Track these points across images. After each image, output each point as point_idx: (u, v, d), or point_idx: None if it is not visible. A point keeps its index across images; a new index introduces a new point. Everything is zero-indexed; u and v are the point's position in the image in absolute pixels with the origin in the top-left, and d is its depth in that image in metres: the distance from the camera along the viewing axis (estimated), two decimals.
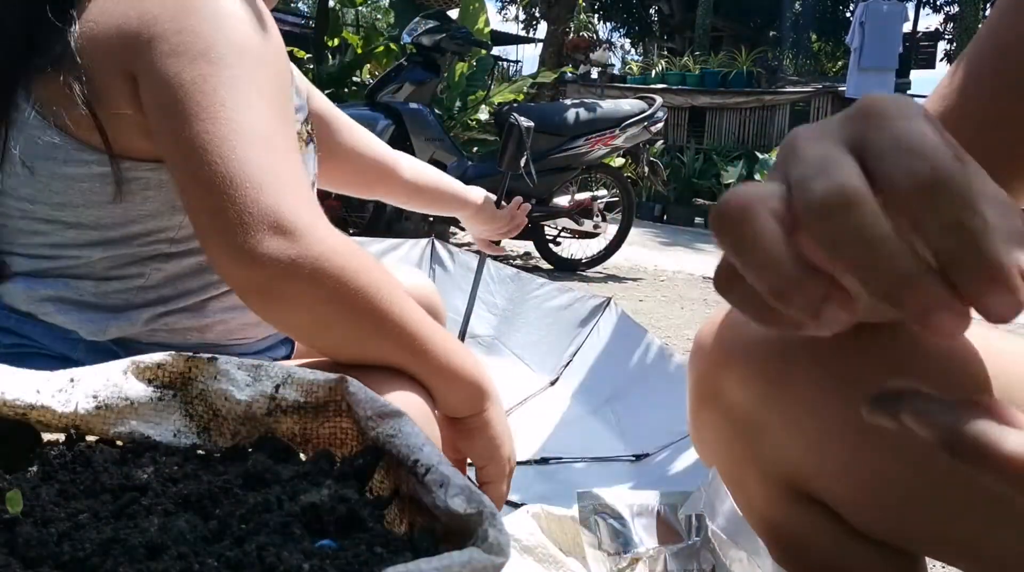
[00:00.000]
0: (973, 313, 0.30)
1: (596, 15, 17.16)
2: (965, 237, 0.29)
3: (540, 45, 11.79)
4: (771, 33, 16.71)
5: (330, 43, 7.43)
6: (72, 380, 0.52)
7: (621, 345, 2.26)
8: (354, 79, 6.19)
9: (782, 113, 10.25)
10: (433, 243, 2.73)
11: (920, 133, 0.31)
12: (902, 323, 0.32)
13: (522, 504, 1.82)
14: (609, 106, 4.69)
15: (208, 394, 0.53)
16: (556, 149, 4.45)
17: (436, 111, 4.69)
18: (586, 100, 4.90)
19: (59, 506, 0.43)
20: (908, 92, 10.74)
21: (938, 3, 17.44)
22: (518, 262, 4.98)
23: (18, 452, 0.50)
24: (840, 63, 14.28)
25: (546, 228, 4.65)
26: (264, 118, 0.68)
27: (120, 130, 0.74)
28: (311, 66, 7.14)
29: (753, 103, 10.28)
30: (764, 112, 10.28)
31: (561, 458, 1.83)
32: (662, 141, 8.62)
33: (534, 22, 17.08)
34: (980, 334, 0.57)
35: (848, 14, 16.38)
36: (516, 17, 18.57)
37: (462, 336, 2.08)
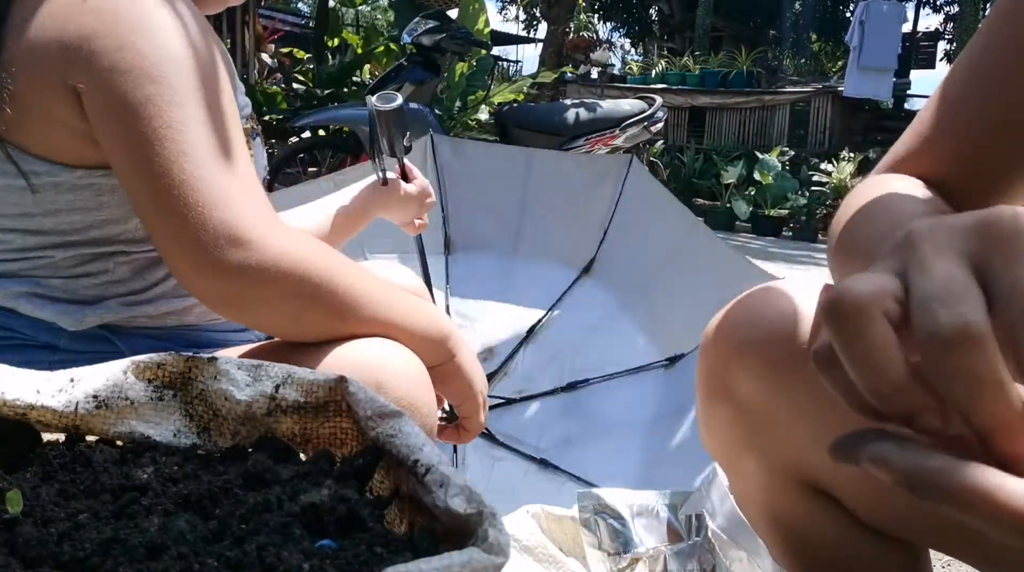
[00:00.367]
0: None
1: (596, 15, 17.16)
2: None
3: (540, 45, 11.79)
4: (771, 33, 16.70)
5: (330, 43, 7.43)
6: (72, 380, 0.52)
7: (647, 213, 2.15)
8: (354, 79, 6.19)
9: (782, 113, 10.25)
10: (432, 138, 2.47)
11: None
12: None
13: (540, 458, 1.80)
14: (609, 106, 4.69)
15: (208, 394, 0.53)
16: (556, 149, 4.45)
17: (436, 111, 4.69)
18: (586, 100, 4.90)
19: (59, 506, 0.43)
20: (908, 92, 10.74)
21: (938, 3, 17.44)
22: None
23: (18, 452, 0.50)
24: (840, 63, 14.27)
25: None
26: (210, 132, 0.71)
27: (68, 141, 0.74)
28: (311, 66, 7.14)
29: (753, 103, 10.28)
30: (764, 112, 10.28)
31: (588, 381, 1.80)
32: (662, 141, 8.61)
33: (534, 22, 17.08)
34: None
35: (848, 14, 16.37)
36: (516, 17, 18.58)
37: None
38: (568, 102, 4.94)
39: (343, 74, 6.31)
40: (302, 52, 7.65)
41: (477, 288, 2.12)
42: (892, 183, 0.61)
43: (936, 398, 0.32)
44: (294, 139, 5.93)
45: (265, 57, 6.92)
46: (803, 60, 16.01)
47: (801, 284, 0.67)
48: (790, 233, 7.89)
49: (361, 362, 0.73)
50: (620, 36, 19.23)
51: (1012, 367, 0.30)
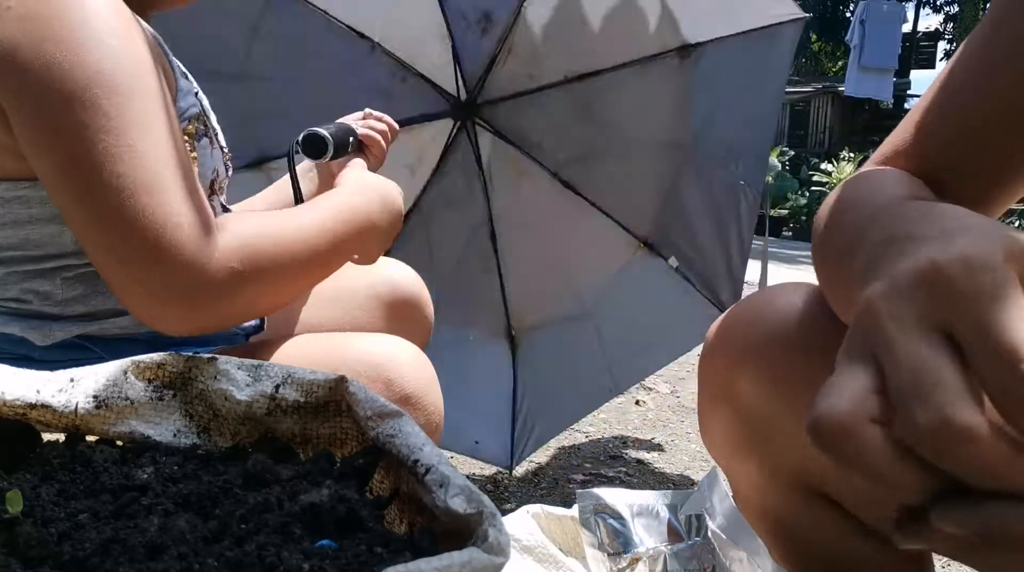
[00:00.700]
0: None
1: None
2: None
3: None
4: None
5: None
6: (72, 380, 0.52)
7: None
8: None
9: (782, 113, 10.24)
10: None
11: (1008, 328, 0.30)
12: None
13: (563, 179, 1.69)
14: None
15: (208, 394, 0.53)
16: None
17: None
18: None
19: (59, 506, 0.43)
20: (908, 92, 10.75)
21: (938, 3, 17.43)
22: None
23: (18, 452, 0.50)
24: (840, 63, 14.26)
25: None
26: (145, 155, 0.67)
27: None
28: None
29: None
30: None
31: (600, 71, 1.74)
32: None
33: None
34: None
35: (848, 14, 16.36)
36: None
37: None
38: None
39: None
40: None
41: None
42: (872, 175, 0.60)
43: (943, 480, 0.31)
44: None
45: None
46: (803, 60, 16.00)
47: (803, 288, 0.67)
48: (790, 233, 7.90)
49: (369, 359, 0.74)
50: None
51: (1005, 418, 0.30)
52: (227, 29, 1.63)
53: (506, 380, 1.85)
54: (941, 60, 14.96)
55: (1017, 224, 6.21)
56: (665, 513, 1.16)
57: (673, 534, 1.14)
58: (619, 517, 1.14)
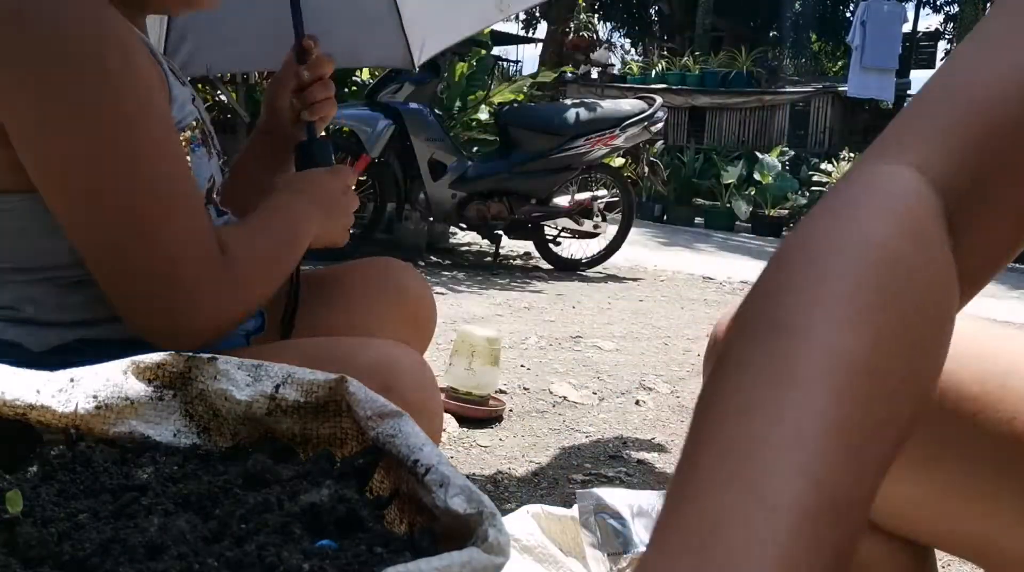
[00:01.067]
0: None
1: (596, 15, 17.15)
2: None
3: (540, 45, 11.79)
4: (771, 33, 16.70)
5: None
6: (72, 380, 0.52)
7: None
8: (354, 79, 6.18)
9: (782, 113, 10.25)
10: None
11: None
12: None
13: None
14: (609, 106, 4.68)
15: (208, 394, 0.53)
16: (556, 149, 4.45)
17: (436, 111, 4.69)
18: (586, 100, 4.90)
19: (59, 506, 0.43)
20: (908, 92, 10.75)
21: (938, 3, 17.44)
22: (518, 262, 4.98)
23: (18, 452, 0.50)
24: (840, 63, 14.28)
25: (546, 228, 4.65)
26: (142, 185, 0.70)
27: None
28: None
29: (753, 103, 10.28)
30: (764, 112, 10.28)
31: None
32: (662, 141, 8.61)
33: (534, 22, 17.08)
34: (984, 325, 0.57)
35: (848, 14, 16.38)
36: (516, 17, 18.58)
37: None
38: (568, 102, 4.94)
39: (343, 74, 6.31)
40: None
41: None
42: (861, 195, 0.40)
43: None
44: None
45: None
46: (803, 60, 16.01)
47: None
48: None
49: (371, 365, 0.74)
50: (620, 36, 19.23)
51: None
52: None
53: None
54: (941, 60, 14.97)
55: None
56: None
57: None
58: (619, 517, 1.14)
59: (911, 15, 11.04)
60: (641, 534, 1.13)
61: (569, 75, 10.48)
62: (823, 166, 8.05)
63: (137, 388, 0.52)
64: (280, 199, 0.87)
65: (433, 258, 4.75)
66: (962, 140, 0.41)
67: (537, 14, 15.74)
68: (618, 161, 5.45)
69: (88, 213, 0.70)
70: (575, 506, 1.15)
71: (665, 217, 8.61)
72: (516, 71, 13.02)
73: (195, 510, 0.44)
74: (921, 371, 0.34)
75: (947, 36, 16.65)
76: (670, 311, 3.74)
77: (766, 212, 7.95)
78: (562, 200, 4.63)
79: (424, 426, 0.74)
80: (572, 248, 4.80)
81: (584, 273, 4.71)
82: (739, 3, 15.41)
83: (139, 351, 0.59)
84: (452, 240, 5.40)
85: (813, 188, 7.84)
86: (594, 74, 11.55)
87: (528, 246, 5.00)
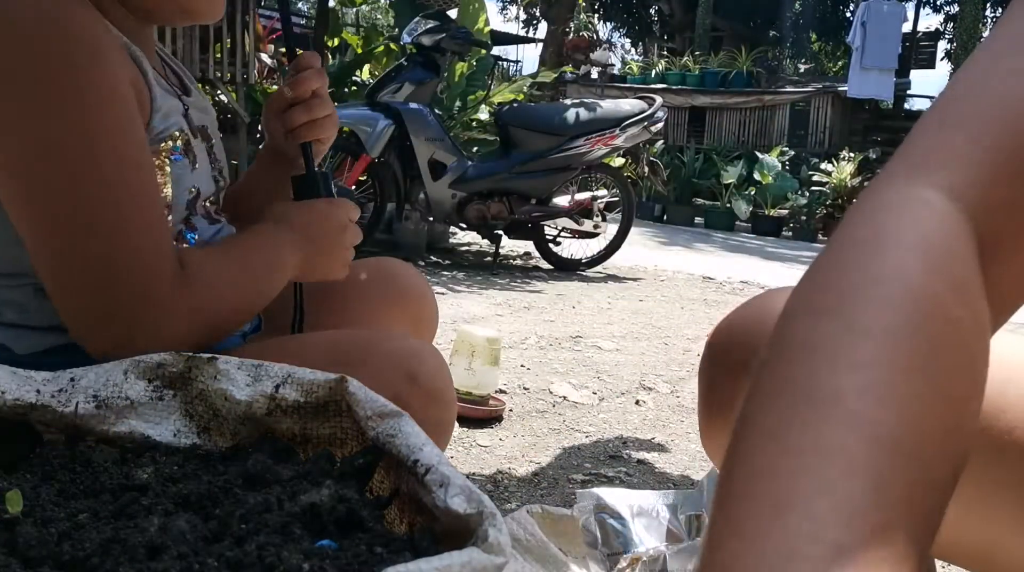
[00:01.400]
0: None
1: (596, 15, 17.16)
2: None
3: (540, 45, 11.80)
4: (771, 33, 16.71)
5: (330, 43, 7.43)
6: (72, 380, 0.52)
7: None
8: (354, 79, 6.19)
9: (782, 113, 10.25)
10: None
11: None
12: None
13: None
14: (609, 106, 4.68)
15: (208, 394, 0.53)
16: (556, 149, 4.45)
17: (436, 111, 4.69)
18: (586, 100, 4.89)
19: (59, 506, 0.43)
20: (908, 92, 10.75)
21: (938, 3, 17.45)
22: (518, 262, 4.98)
23: (18, 452, 0.50)
24: (840, 63, 14.29)
25: (546, 228, 4.65)
26: (93, 191, 0.68)
27: None
28: None
29: (753, 103, 10.28)
30: (764, 112, 10.28)
31: None
32: (662, 141, 8.61)
33: (534, 22, 17.08)
34: None
35: (848, 14, 16.37)
36: (516, 17, 18.57)
37: None
38: (568, 102, 4.94)
39: (343, 74, 6.31)
40: (302, 52, 7.64)
41: None
42: (888, 234, 0.37)
43: None
44: None
45: (264, 57, 6.91)
46: (803, 60, 16.01)
47: None
48: (790, 233, 7.90)
49: (395, 353, 0.75)
50: (620, 36, 19.24)
51: None
52: None
53: None
54: (941, 60, 14.98)
55: None
56: (665, 513, 1.16)
57: (673, 534, 1.14)
58: (619, 517, 1.14)
59: (911, 15, 11.05)
60: (641, 534, 1.13)
61: (569, 75, 10.48)
62: (823, 166, 8.04)
63: (137, 388, 0.52)
64: (262, 227, 0.84)
65: (433, 258, 4.75)
66: (994, 158, 0.38)
67: (537, 14, 15.74)
68: (618, 161, 5.45)
69: (35, 215, 0.68)
70: (575, 506, 1.15)
71: (665, 217, 8.61)
72: (516, 71, 13.02)
73: (195, 510, 0.44)
74: (961, 438, 0.32)
75: (947, 36, 16.65)
76: (670, 311, 3.74)
77: (766, 212, 7.95)
78: (562, 200, 4.63)
79: (443, 415, 0.76)
80: (572, 248, 4.80)
81: (584, 273, 4.71)
82: (739, 3, 15.42)
83: None
84: (452, 240, 5.40)
85: (813, 188, 7.84)
86: (594, 74, 11.55)
87: (528, 246, 5.00)
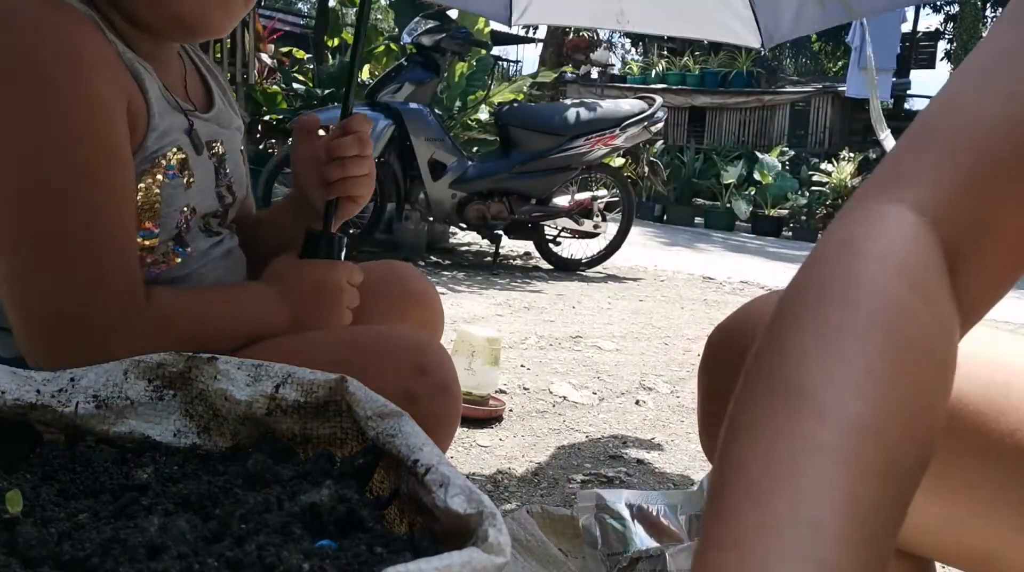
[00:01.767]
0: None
1: None
2: None
3: (540, 45, 11.79)
4: None
5: (330, 43, 7.44)
6: (72, 380, 0.52)
7: None
8: None
9: (782, 113, 10.25)
10: None
11: None
12: None
13: None
14: (609, 106, 4.68)
15: (208, 394, 0.53)
16: (556, 149, 4.45)
17: (436, 111, 4.69)
18: (586, 100, 4.90)
19: (59, 506, 0.43)
20: (908, 92, 10.75)
21: (938, 3, 17.44)
22: (518, 262, 4.98)
23: (18, 452, 0.50)
24: (840, 63, 14.28)
25: (546, 228, 4.65)
26: (55, 206, 0.68)
27: None
28: (311, 66, 7.15)
29: (753, 103, 10.28)
30: (764, 112, 10.28)
31: None
32: (662, 141, 8.61)
33: None
34: (986, 334, 0.57)
35: None
36: None
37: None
38: (568, 102, 4.94)
39: (343, 74, 6.32)
40: (302, 52, 7.65)
41: None
42: (859, 246, 0.40)
43: None
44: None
45: (265, 57, 6.91)
46: (803, 60, 16.00)
47: None
48: (790, 233, 7.90)
49: (405, 346, 0.76)
50: (620, 36, 19.22)
51: None
52: None
53: None
54: (941, 60, 14.97)
55: None
56: (665, 513, 1.16)
57: (673, 534, 1.14)
58: (619, 517, 1.14)
59: (911, 15, 11.05)
60: (641, 534, 1.13)
61: (569, 75, 10.48)
62: (823, 166, 8.05)
63: (137, 388, 0.52)
64: (254, 283, 0.84)
65: (433, 258, 4.75)
66: (960, 174, 0.41)
67: None
68: (618, 161, 5.45)
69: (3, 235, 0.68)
70: (575, 506, 1.15)
71: (665, 217, 8.61)
72: (516, 71, 13.02)
73: (195, 510, 0.44)
74: (926, 425, 0.35)
75: (947, 36, 16.65)
76: (670, 311, 3.74)
77: (766, 212, 7.95)
78: (562, 200, 4.63)
79: (451, 408, 0.77)
80: (572, 248, 4.80)
81: (584, 273, 4.71)
82: None
83: None
84: (452, 240, 5.40)
85: (813, 188, 7.85)
86: (594, 74, 11.55)
87: (528, 246, 5.00)
